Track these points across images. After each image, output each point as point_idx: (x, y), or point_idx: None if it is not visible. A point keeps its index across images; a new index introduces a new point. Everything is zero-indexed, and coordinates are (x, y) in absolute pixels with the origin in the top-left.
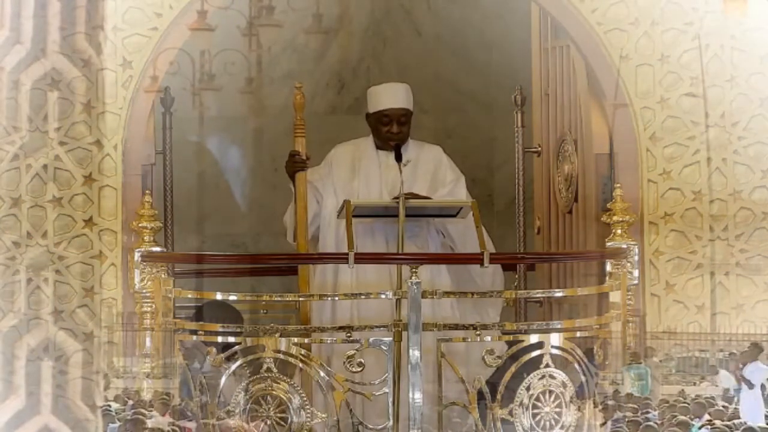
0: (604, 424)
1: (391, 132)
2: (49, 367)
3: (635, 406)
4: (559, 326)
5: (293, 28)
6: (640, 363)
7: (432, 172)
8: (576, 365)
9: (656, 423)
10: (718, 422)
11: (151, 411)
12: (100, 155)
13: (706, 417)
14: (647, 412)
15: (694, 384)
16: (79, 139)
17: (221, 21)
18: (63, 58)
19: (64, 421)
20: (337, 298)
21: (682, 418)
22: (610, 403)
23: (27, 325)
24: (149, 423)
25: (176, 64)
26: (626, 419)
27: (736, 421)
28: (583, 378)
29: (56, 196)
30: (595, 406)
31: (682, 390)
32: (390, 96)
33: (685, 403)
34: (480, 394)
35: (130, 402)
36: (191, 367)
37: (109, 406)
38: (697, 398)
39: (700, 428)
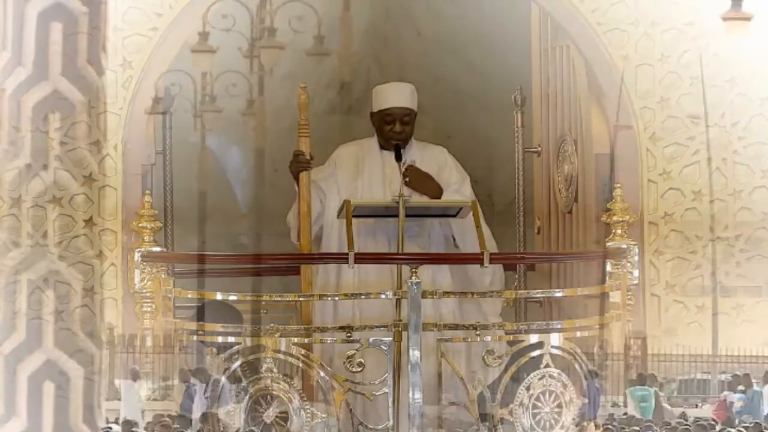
0: None
1: (393, 131)
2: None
3: (638, 428)
4: (559, 326)
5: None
6: (644, 385)
7: (435, 173)
8: (576, 365)
9: None
10: None
11: None
12: (100, 155)
13: None
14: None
15: (696, 406)
16: (79, 139)
17: (223, 42)
18: None
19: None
20: (337, 298)
21: None
22: (612, 425)
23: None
24: None
25: (177, 85)
26: None
27: None
28: (583, 378)
29: (56, 196)
30: (597, 429)
31: (683, 412)
32: (394, 95)
33: (686, 425)
34: (480, 394)
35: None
36: (195, 388)
37: (110, 428)
38: (699, 420)
39: None
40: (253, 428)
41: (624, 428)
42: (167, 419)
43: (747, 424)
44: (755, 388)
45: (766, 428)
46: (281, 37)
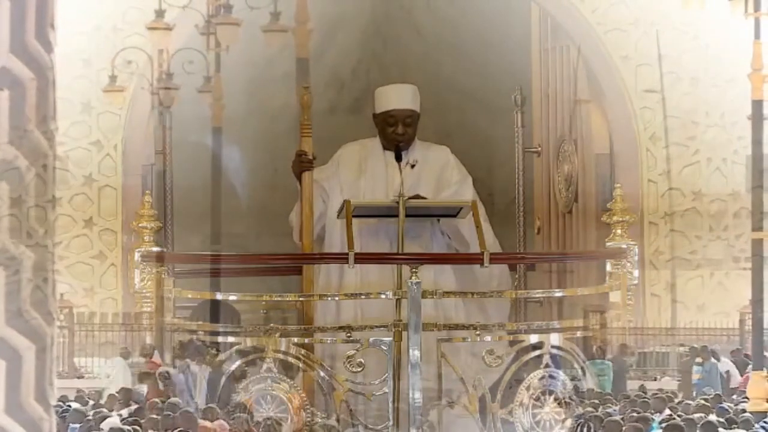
0: (565, 420)
1: (396, 133)
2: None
3: (596, 401)
4: (558, 326)
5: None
6: (603, 358)
7: (437, 173)
8: (576, 365)
9: (618, 419)
10: (678, 416)
11: (111, 412)
12: (100, 155)
13: (667, 412)
14: (608, 408)
15: (655, 379)
16: (79, 139)
17: (179, 20)
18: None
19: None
20: (337, 298)
21: (642, 413)
22: (572, 399)
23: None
24: (104, 426)
25: (134, 63)
26: (588, 415)
27: (696, 416)
28: (582, 377)
29: (56, 196)
30: (557, 402)
31: (642, 385)
32: (396, 97)
33: (645, 398)
34: (480, 394)
35: (91, 402)
36: (191, 370)
37: (69, 405)
38: (658, 393)
39: (660, 423)
40: (253, 428)
41: (583, 401)
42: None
43: (707, 396)
44: (713, 360)
45: (725, 400)
46: (237, 13)
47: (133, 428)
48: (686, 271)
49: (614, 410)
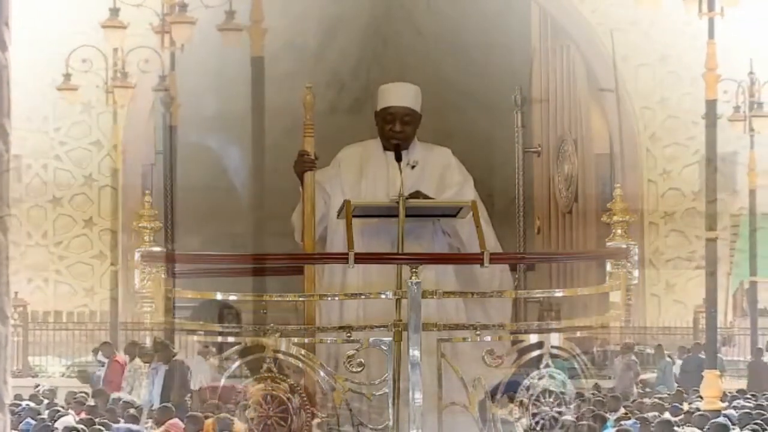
0: (519, 419)
1: (393, 130)
2: None
3: (551, 401)
4: (557, 326)
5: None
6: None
7: (439, 174)
8: (576, 365)
9: (572, 417)
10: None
11: (67, 410)
12: (100, 155)
13: (622, 410)
14: (562, 407)
15: (609, 378)
16: (79, 139)
17: (133, 18)
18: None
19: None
20: (337, 298)
21: (597, 411)
22: (571, 398)
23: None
24: (59, 425)
25: (89, 61)
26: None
27: (649, 415)
28: (582, 377)
29: (56, 196)
30: (511, 402)
31: (596, 384)
32: (396, 94)
33: (600, 396)
34: (480, 394)
35: (45, 401)
36: (153, 368)
37: (25, 404)
38: (613, 392)
39: (616, 422)
40: (253, 428)
41: (583, 401)
42: (85, 395)
43: (662, 395)
44: (667, 359)
45: (687, 398)
46: (192, 12)
47: (88, 427)
48: (686, 271)
49: (568, 409)
